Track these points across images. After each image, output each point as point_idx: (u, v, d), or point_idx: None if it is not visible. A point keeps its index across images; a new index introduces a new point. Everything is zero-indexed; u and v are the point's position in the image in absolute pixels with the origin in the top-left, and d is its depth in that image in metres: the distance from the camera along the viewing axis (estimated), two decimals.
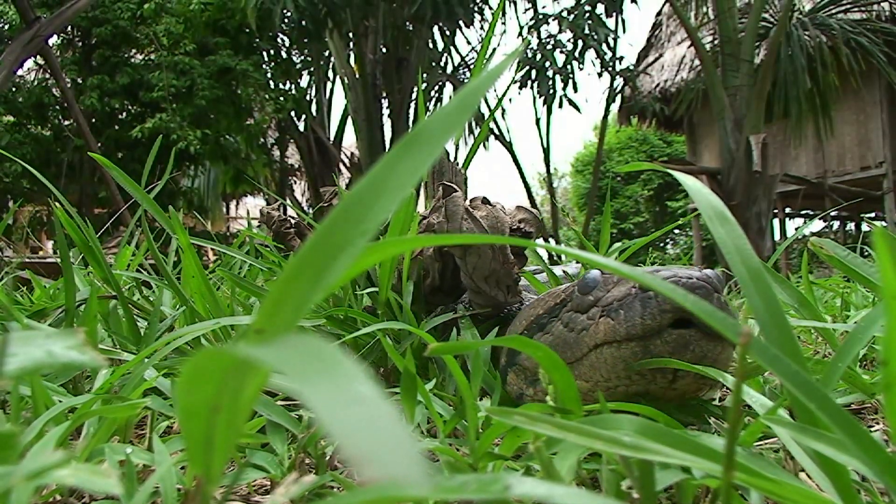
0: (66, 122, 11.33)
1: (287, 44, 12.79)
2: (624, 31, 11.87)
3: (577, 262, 1.98)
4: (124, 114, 11.64)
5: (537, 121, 13.02)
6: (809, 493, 0.48)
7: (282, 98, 12.28)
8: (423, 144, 0.40)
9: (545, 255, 1.92)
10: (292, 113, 13.12)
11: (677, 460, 0.47)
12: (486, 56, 1.62)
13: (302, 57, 13.51)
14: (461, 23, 10.82)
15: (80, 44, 11.77)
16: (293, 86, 13.47)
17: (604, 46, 11.56)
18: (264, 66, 12.43)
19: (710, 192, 0.62)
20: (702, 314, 0.70)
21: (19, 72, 9.82)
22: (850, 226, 16.30)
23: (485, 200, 1.32)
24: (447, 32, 12.49)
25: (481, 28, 11.97)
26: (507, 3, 12.03)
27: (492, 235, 1.23)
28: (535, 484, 0.36)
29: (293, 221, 1.82)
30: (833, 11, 11.10)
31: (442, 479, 0.37)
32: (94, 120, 11.01)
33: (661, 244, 23.73)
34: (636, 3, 11.62)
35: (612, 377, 0.87)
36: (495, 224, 1.25)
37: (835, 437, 0.49)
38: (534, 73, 11.56)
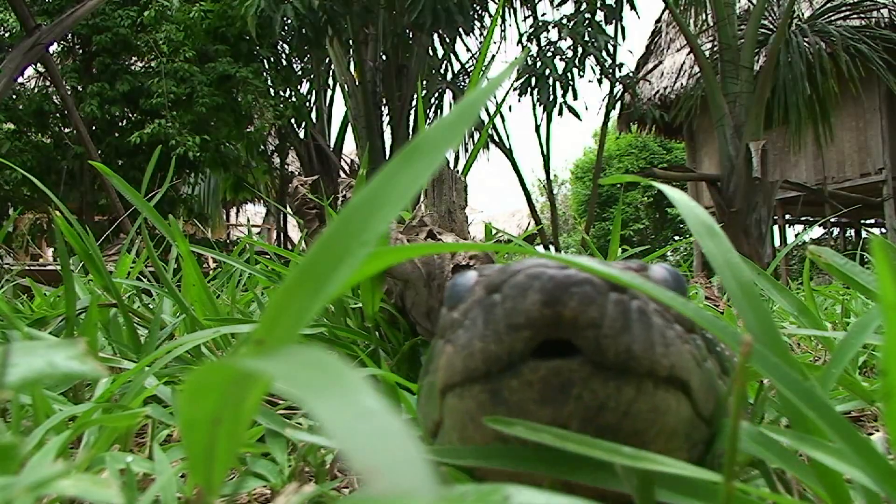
0: (67, 130, 11.32)
1: (287, 51, 12.81)
2: (623, 39, 11.86)
3: None
4: (124, 121, 11.64)
5: (537, 127, 13.02)
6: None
7: (282, 105, 12.28)
8: (423, 155, 0.40)
9: None
10: (292, 120, 13.14)
11: (676, 469, 0.47)
12: (485, 63, 1.62)
13: (302, 64, 13.53)
14: (461, 30, 10.84)
15: (81, 51, 11.78)
16: (293, 93, 13.49)
17: (603, 53, 11.57)
18: (264, 73, 12.45)
19: (698, 205, 0.62)
20: (587, 328, 0.44)
21: (20, 79, 9.83)
22: (850, 232, 16.31)
23: (430, 234, 1.26)
24: (447, 40, 12.53)
25: (481, 35, 11.99)
26: (506, 10, 12.05)
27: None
28: (534, 494, 0.36)
29: (316, 203, 1.80)
30: (832, 18, 11.14)
31: (442, 490, 0.37)
32: (94, 127, 11.01)
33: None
34: (636, 10, 11.62)
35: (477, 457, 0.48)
36: (431, 261, 1.15)
37: (833, 446, 0.49)
38: (534, 80, 11.56)
